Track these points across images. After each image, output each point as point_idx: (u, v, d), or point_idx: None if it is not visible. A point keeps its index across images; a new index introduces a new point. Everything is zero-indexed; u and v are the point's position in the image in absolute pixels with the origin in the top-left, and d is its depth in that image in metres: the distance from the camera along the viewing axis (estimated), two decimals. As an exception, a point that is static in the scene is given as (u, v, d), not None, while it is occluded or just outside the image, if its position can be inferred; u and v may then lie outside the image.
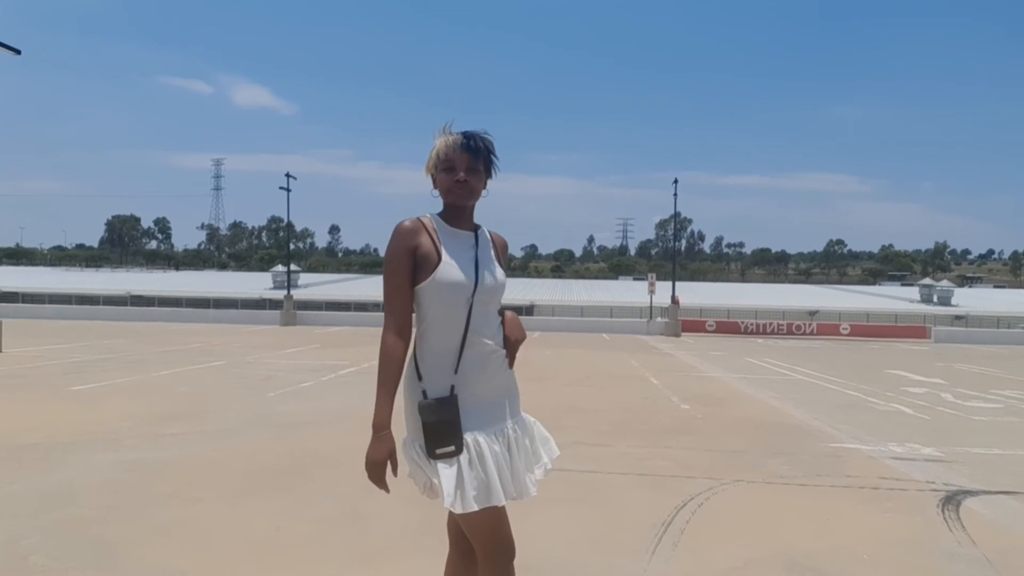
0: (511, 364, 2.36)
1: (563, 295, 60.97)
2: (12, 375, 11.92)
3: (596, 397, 11.09)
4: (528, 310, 45.23)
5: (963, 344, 30.82)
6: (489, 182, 2.33)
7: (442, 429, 2.12)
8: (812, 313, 44.04)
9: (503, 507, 2.20)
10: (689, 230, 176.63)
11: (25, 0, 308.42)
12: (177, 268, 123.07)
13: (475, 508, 2.11)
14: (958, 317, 46.23)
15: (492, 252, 2.35)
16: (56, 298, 44.31)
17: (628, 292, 58.35)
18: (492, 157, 2.30)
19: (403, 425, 2.24)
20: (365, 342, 18.96)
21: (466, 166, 2.23)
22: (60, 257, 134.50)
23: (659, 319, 34.53)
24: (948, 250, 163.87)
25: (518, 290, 65.06)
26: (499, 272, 2.33)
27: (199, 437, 7.10)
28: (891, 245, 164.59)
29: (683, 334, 32.36)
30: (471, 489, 2.11)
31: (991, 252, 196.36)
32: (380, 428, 2.13)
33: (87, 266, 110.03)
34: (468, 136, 2.24)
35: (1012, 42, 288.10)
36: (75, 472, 5.59)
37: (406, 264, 2.17)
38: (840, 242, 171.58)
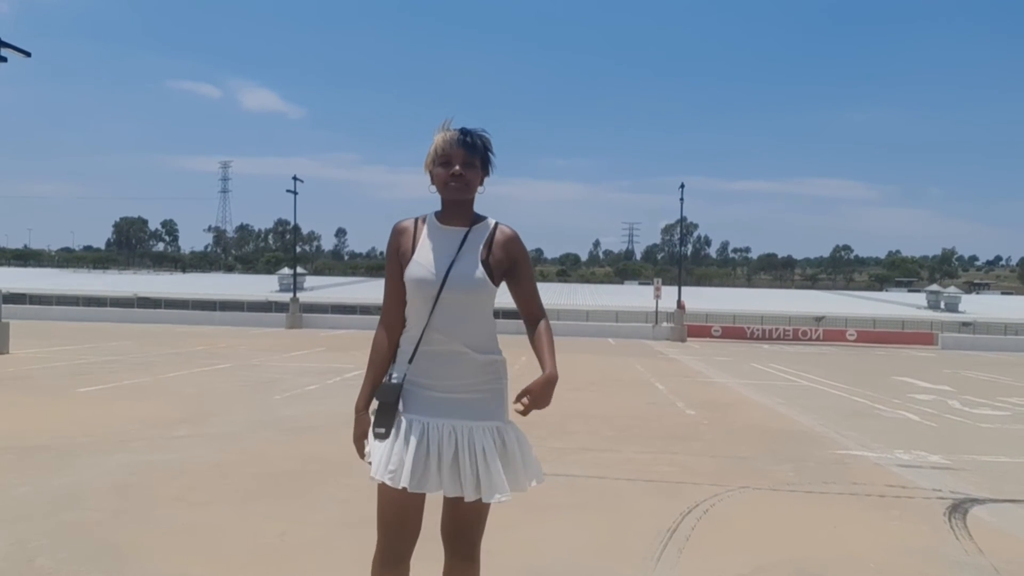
0: (523, 413, 2.32)
1: (569, 299, 60.89)
2: (20, 376, 11.97)
3: (602, 402, 11.08)
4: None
5: (970, 351, 30.69)
6: (487, 180, 2.36)
7: (381, 411, 2.26)
8: (818, 319, 43.89)
9: (418, 495, 2.23)
10: (695, 235, 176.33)
11: (36, 5, 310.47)
12: (184, 270, 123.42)
13: (377, 479, 2.19)
14: (965, 324, 45.99)
15: (481, 249, 2.29)
16: (63, 300, 44.48)
17: (634, 297, 58.23)
18: (489, 154, 2.34)
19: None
20: (370, 345, 18.93)
21: (462, 161, 2.26)
22: (67, 259, 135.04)
23: (665, 324, 34.48)
24: (955, 256, 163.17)
25: (524, 294, 64.86)
26: (477, 271, 2.26)
27: (205, 440, 7.11)
28: (898, 251, 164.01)
29: (689, 339, 32.31)
30: (389, 464, 2.18)
31: (999, 258, 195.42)
32: (356, 410, 2.33)
33: (94, 268, 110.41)
34: (465, 132, 2.29)
35: (1020, 48, 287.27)
36: (82, 474, 5.61)
37: (391, 261, 2.35)
38: (847, 248, 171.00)
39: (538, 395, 2.25)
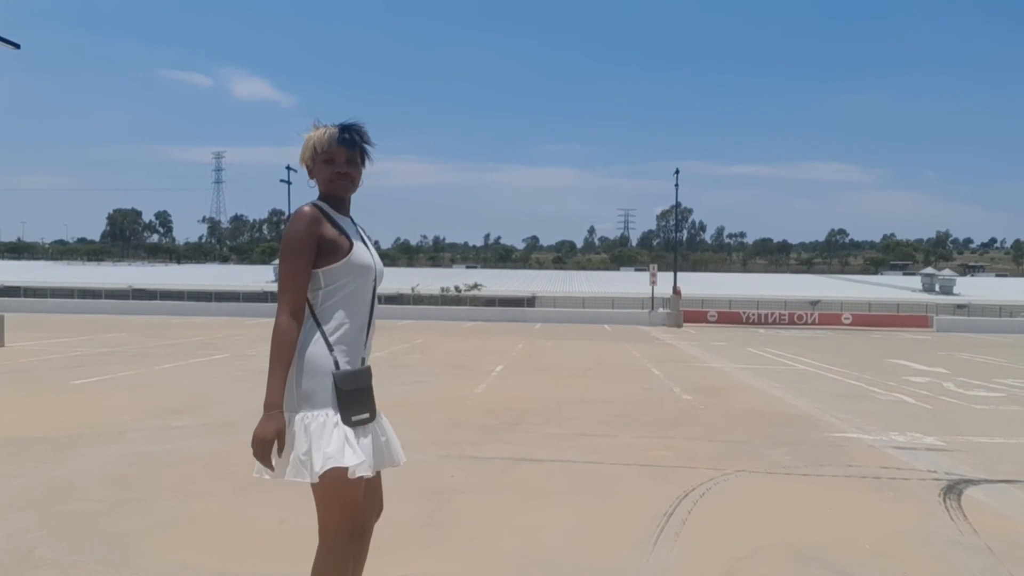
0: None
1: (564, 286, 60.93)
2: (15, 369, 11.95)
3: (598, 388, 11.11)
4: (530, 301, 45.24)
5: (965, 333, 30.81)
6: (364, 172, 2.46)
7: (359, 397, 2.24)
8: (814, 303, 44.02)
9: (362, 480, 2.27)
10: (690, 220, 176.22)
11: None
12: (178, 261, 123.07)
13: (371, 472, 2.24)
14: (960, 306, 46.18)
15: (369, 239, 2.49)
16: (58, 292, 44.38)
17: (630, 283, 58.33)
18: (366, 147, 2.42)
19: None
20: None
21: (345, 158, 2.34)
22: (62, 251, 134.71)
23: (661, 310, 34.53)
24: (950, 239, 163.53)
25: (519, 282, 65.04)
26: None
27: (202, 430, 7.12)
28: (893, 234, 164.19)
29: (685, 324, 32.37)
30: (370, 454, 2.24)
31: (993, 241, 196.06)
32: (272, 407, 2.16)
33: (88, 260, 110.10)
34: (344, 129, 2.34)
35: (1015, 32, 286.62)
36: (79, 466, 5.61)
37: (309, 249, 2.23)
38: (842, 231, 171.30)
39: None
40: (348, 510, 2.27)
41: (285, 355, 2.19)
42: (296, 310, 2.23)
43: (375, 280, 2.37)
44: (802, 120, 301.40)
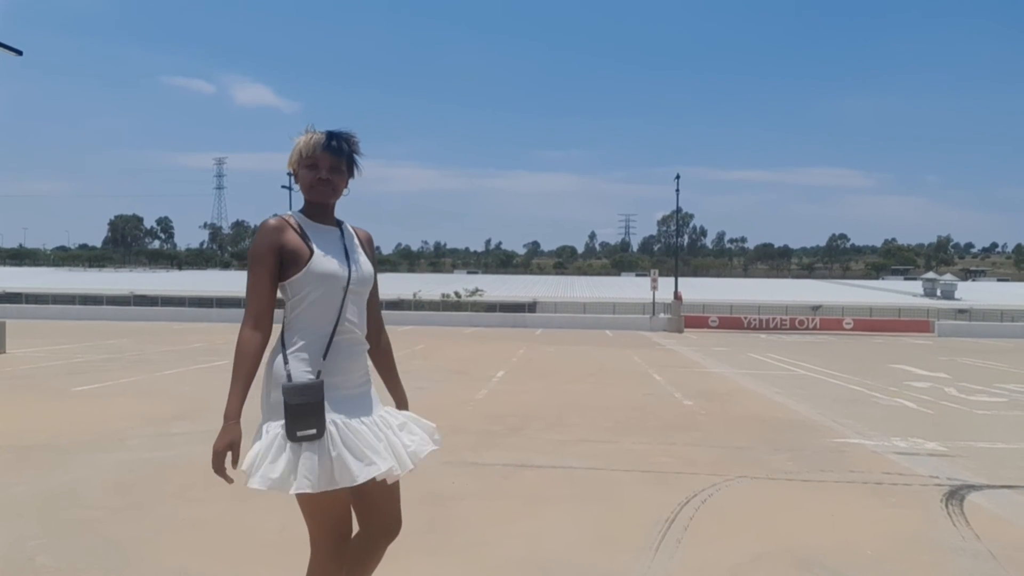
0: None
1: (565, 292, 60.97)
2: (16, 376, 11.95)
3: (599, 394, 11.10)
4: (531, 307, 45.23)
5: (967, 338, 30.77)
6: (352, 182, 2.43)
7: (306, 411, 2.15)
8: (815, 308, 44.00)
9: (345, 492, 2.25)
10: (691, 225, 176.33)
11: (26, 3, 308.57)
12: (180, 267, 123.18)
13: (316, 490, 2.14)
14: (961, 311, 46.14)
15: (358, 245, 2.45)
16: (59, 298, 44.40)
17: (631, 288, 58.34)
18: (355, 156, 2.40)
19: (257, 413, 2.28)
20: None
21: (328, 165, 2.32)
22: (63, 257, 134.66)
23: (662, 315, 34.52)
24: (951, 244, 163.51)
25: (520, 287, 65.06)
26: (367, 264, 2.42)
27: (204, 437, 7.10)
28: (894, 239, 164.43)
29: (686, 330, 32.34)
30: (315, 472, 2.14)
31: (995, 245, 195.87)
32: (228, 418, 2.15)
33: (90, 266, 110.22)
34: (331, 136, 2.33)
35: (1017, 35, 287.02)
36: (80, 472, 5.61)
37: (270, 260, 2.23)
38: (843, 236, 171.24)
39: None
40: (323, 520, 2.27)
41: (242, 367, 2.19)
42: (259, 321, 2.23)
43: (345, 289, 2.29)
44: (803, 125, 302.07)
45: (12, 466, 5.79)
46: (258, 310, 2.24)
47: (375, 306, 2.55)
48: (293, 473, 2.13)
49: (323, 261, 2.26)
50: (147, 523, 4.42)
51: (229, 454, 2.14)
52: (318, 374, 2.24)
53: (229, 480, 2.13)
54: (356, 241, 2.45)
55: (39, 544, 4.00)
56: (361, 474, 2.19)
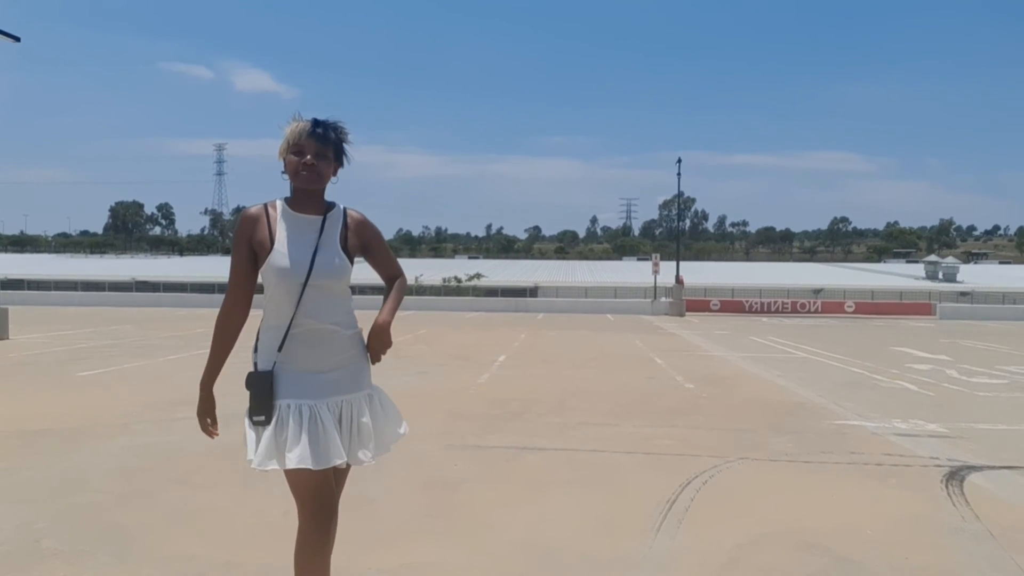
0: (375, 361, 2.56)
1: (567, 276, 60.93)
2: (20, 362, 11.99)
3: (601, 378, 11.13)
4: (532, 292, 45.22)
5: (968, 320, 30.76)
6: (341, 171, 2.47)
7: (257, 400, 2.34)
8: (817, 291, 43.95)
9: (323, 470, 2.35)
10: (693, 210, 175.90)
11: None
12: (181, 253, 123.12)
13: (263, 467, 2.32)
14: (963, 293, 46.07)
15: (339, 236, 2.44)
16: (62, 284, 44.40)
17: (632, 273, 58.25)
18: (343, 145, 2.43)
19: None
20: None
21: (314, 151, 2.35)
22: (64, 244, 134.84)
23: (663, 299, 34.51)
24: (953, 227, 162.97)
25: (522, 272, 65.03)
26: (338, 258, 2.41)
27: (207, 422, 7.14)
28: (896, 222, 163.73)
29: (687, 314, 32.36)
30: (272, 450, 2.32)
31: (996, 228, 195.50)
32: (202, 387, 2.45)
33: (91, 252, 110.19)
34: (317, 123, 2.37)
35: (1018, 18, 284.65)
36: (85, 458, 5.64)
37: (242, 249, 2.37)
38: (845, 220, 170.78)
39: (373, 344, 2.48)
40: (300, 495, 2.42)
41: (215, 340, 2.42)
42: (235, 302, 2.40)
43: (303, 284, 2.33)
44: (805, 109, 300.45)
45: (18, 451, 5.82)
46: (233, 291, 2.40)
47: (388, 268, 2.61)
48: (264, 452, 2.32)
49: (278, 258, 2.33)
50: (152, 508, 4.45)
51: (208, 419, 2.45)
52: (273, 365, 2.37)
53: (213, 435, 2.53)
54: (338, 231, 2.44)
55: (44, 528, 4.03)
56: (318, 462, 2.32)
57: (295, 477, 2.36)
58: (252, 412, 2.34)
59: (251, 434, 2.38)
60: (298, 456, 2.29)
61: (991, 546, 3.98)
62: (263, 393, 2.33)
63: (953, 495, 4.94)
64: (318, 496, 2.41)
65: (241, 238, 2.36)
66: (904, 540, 4.07)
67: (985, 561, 3.77)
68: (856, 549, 3.91)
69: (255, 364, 2.39)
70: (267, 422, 2.32)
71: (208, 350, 2.46)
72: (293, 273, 2.33)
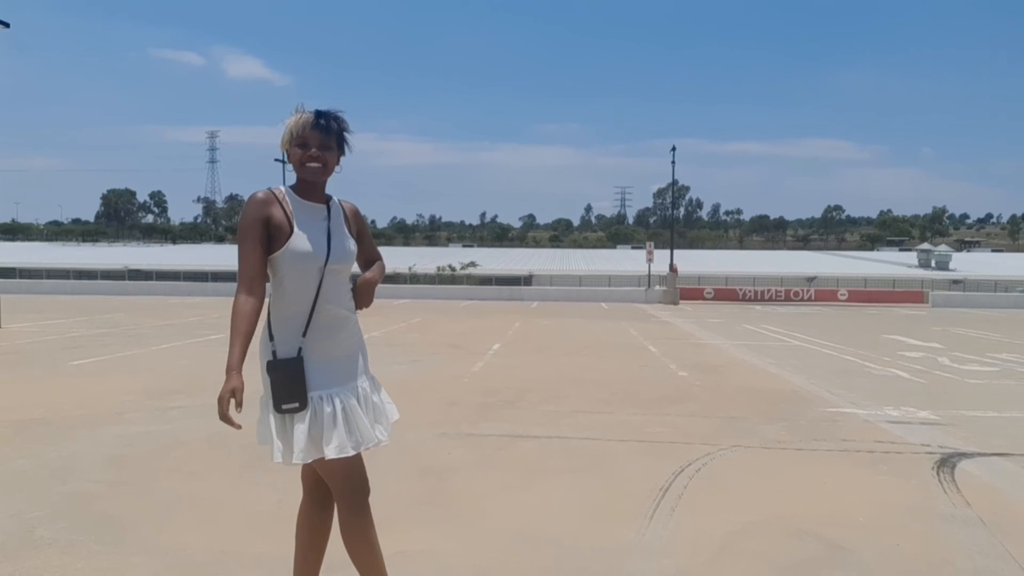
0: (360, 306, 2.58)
1: (561, 264, 60.96)
2: (12, 351, 11.94)
3: (595, 366, 11.15)
4: (527, 280, 45.23)
5: (961, 308, 30.92)
6: (344, 159, 2.50)
7: (288, 387, 2.32)
8: (810, 279, 44.09)
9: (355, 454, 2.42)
10: (687, 198, 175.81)
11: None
12: (174, 242, 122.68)
13: (305, 461, 2.34)
14: (956, 281, 46.31)
15: (344, 223, 2.51)
16: (54, 273, 44.23)
17: (626, 261, 58.33)
18: (345, 134, 2.46)
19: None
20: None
21: (318, 143, 2.38)
22: (56, 232, 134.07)
23: (657, 287, 34.57)
24: (946, 215, 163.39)
25: (516, 260, 65.01)
26: (350, 243, 2.51)
27: (201, 411, 7.13)
28: (889, 210, 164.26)
29: (681, 302, 32.42)
30: (308, 443, 2.33)
31: (989, 216, 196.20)
32: (229, 369, 2.29)
33: (84, 241, 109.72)
34: (320, 115, 2.39)
35: (1012, 7, 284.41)
36: (79, 447, 5.63)
37: (258, 232, 2.33)
38: (838, 208, 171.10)
39: (359, 296, 2.54)
40: (339, 480, 2.45)
41: (240, 325, 2.30)
42: (252, 286, 2.33)
43: (322, 269, 2.38)
44: (798, 97, 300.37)
45: (10, 440, 5.81)
46: (250, 276, 2.33)
47: (371, 253, 2.69)
48: (305, 448, 2.32)
49: (302, 241, 2.35)
50: (144, 497, 4.45)
51: (232, 401, 2.25)
52: (299, 351, 2.36)
53: (237, 426, 2.24)
54: (342, 218, 2.52)
55: (37, 517, 4.02)
56: (356, 443, 2.40)
57: (332, 465, 2.39)
58: (282, 400, 2.31)
59: (273, 424, 2.35)
60: (337, 445, 2.34)
61: (981, 532, 4.01)
62: (295, 379, 2.32)
63: (944, 482, 4.98)
64: (354, 477, 2.46)
65: (255, 220, 2.32)
66: (895, 527, 4.10)
67: (975, 547, 3.80)
68: (848, 536, 3.94)
69: (273, 352, 2.37)
70: (302, 408, 2.32)
71: (228, 337, 2.37)
72: (315, 256, 2.36)
